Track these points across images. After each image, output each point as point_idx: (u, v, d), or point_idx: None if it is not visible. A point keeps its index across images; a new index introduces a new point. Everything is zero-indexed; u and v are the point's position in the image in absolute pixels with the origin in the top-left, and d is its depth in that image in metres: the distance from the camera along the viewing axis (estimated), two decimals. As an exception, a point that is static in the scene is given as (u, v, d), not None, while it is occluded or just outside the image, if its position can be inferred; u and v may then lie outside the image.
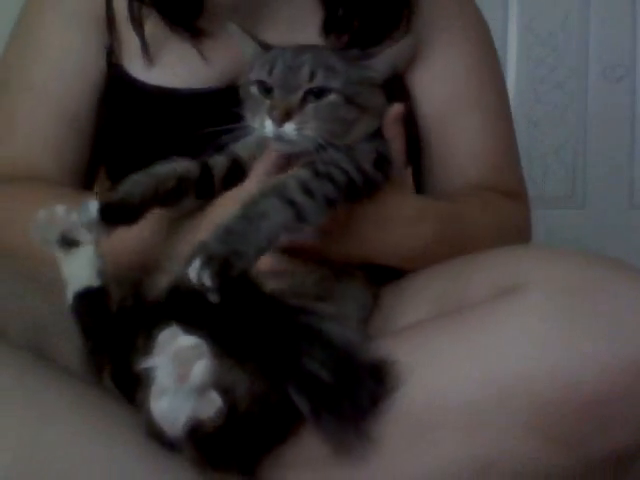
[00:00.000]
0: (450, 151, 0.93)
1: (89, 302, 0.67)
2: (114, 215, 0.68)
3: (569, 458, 0.58)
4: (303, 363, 0.59)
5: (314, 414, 0.59)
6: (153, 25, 0.88)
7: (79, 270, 0.67)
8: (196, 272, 0.59)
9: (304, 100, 0.71)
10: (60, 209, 0.66)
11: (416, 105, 0.94)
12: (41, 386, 0.61)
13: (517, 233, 0.91)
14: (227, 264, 0.60)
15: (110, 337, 0.66)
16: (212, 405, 0.54)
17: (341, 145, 0.72)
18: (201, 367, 0.52)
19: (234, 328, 0.61)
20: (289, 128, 0.70)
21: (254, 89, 0.73)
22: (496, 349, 0.59)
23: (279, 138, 0.70)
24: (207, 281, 0.59)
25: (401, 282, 0.80)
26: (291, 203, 0.64)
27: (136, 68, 0.89)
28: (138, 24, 0.88)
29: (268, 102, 0.71)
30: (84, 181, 0.94)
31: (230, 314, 0.61)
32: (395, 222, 0.75)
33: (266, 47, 0.77)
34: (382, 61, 0.76)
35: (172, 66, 0.89)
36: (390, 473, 0.61)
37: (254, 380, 0.58)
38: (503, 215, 0.89)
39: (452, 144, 0.93)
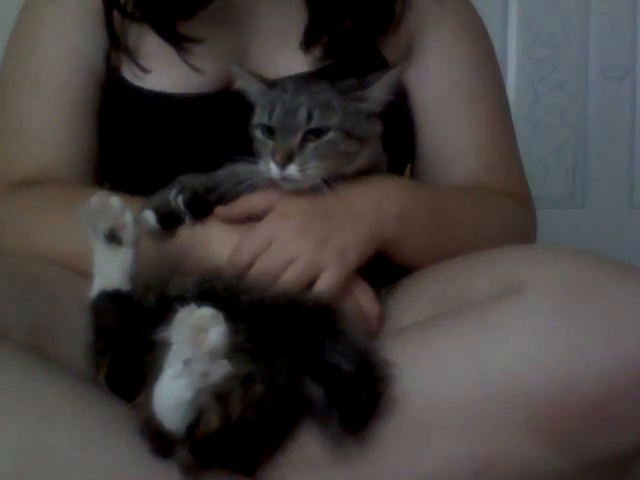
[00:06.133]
0: (443, 147, 0.93)
1: (114, 305, 0.66)
2: (167, 222, 0.75)
3: (567, 458, 0.58)
4: (325, 358, 0.61)
5: (325, 405, 0.59)
6: (148, 31, 0.89)
7: (113, 270, 0.67)
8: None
9: (304, 140, 0.73)
10: (116, 202, 0.67)
11: (411, 103, 0.94)
12: (42, 386, 0.61)
13: (522, 235, 0.90)
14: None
15: (120, 337, 0.65)
16: (222, 369, 0.55)
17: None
18: (218, 332, 0.54)
19: (256, 325, 0.62)
20: (292, 169, 0.72)
21: (258, 132, 0.76)
22: (495, 349, 0.60)
23: (284, 179, 0.73)
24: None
25: (402, 282, 0.80)
26: None
27: (131, 73, 0.89)
28: (116, 28, 0.89)
29: (271, 143, 0.74)
30: (95, 176, 0.93)
31: (253, 313, 0.63)
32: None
33: (270, 84, 0.79)
34: (379, 89, 0.77)
35: (166, 71, 0.89)
36: (390, 473, 0.61)
37: (249, 386, 0.58)
38: (508, 211, 0.89)
39: (444, 140, 0.93)
